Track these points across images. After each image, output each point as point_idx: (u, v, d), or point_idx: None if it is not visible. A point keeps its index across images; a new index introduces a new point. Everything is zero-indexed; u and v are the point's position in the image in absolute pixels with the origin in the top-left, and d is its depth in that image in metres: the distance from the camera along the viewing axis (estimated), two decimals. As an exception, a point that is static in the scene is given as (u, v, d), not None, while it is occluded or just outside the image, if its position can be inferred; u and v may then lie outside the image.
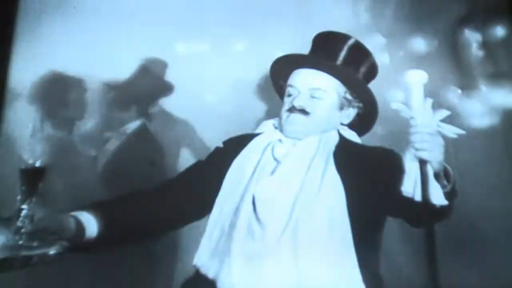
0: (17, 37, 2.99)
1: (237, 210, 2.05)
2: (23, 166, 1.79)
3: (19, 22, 3.01)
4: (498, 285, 2.63)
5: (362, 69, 2.26)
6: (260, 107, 3.23)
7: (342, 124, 2.26)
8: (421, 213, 1.83)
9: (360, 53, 2.28)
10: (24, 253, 1.74)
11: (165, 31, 3.15)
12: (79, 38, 3.11)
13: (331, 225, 1.98)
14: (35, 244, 1.76)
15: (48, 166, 1.81)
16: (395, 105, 1.83)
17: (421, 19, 3.31)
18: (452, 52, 3.26)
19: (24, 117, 3.01)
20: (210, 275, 1.99)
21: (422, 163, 1.77)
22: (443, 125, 1.80)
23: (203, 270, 2.02)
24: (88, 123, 3.19)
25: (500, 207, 2.83)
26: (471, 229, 2.80)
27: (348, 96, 2.23)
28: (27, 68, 3.03)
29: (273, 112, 2.37)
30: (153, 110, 3.25)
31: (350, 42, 2.26)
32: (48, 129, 3.04)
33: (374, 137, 2.35)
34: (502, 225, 2.81)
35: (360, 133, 2.28)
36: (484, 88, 3.19)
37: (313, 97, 2.18)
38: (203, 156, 2.31)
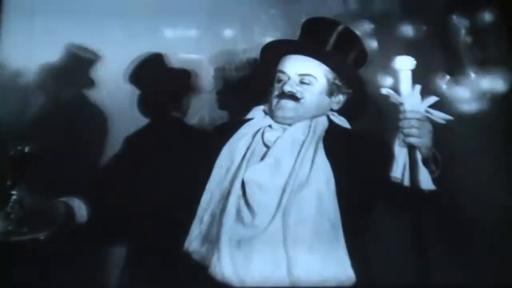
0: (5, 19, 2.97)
1: (227, 196, 2.05)
2: (11, 152, 1.79)
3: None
4: (486, 271, 2.65)
5: (352, 55, 2.26)
6: (248, 93, 3.23)
7: (332, 110, 2.27)
8: (409, 198, 1.85)
9: (349, 39, 2.28)
10: (14, 238, 1.74)
11: (153, 17, 3.13)
12: (66, 24, 3.09)
13: (321, 210, 1.99)
14: (25, 229, 1.76)
15: (36, 152, 1.81)
16: (384, 91, 1.83)
17: (410, 5, 3.31)
18: (441, 38, 3.27)
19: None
20: (201, 260, 2.00)
21: (411, 148, 1.78)
22: (432, 111, 1.81)
23: (195, 255, 2.03)
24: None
25: (488, 192, 2.85)
26: (460, 213, 2.82)
27: (338, 82, 2.23)
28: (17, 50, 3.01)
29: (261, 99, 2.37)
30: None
31: (340, 28, 2.26)
32: None
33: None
34: (491, 210, 2.83)
35: (350, 119, 2.29)
36: (472, 74, 3.20)
37: (302, 83, 2.19)
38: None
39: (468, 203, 2.78)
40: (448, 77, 3.18)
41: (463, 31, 3.27)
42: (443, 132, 1.89)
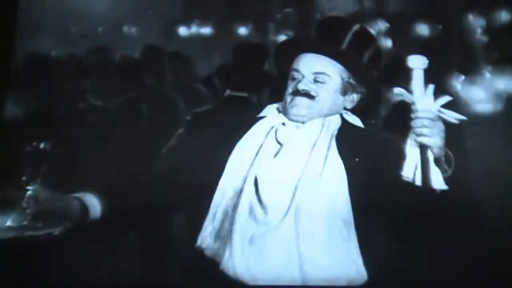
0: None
1: (239, 193, 2.06)
2: (27, 148, 1.81)
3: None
4: (499, 271, 2.64)
5: (367, 55, 2.26)
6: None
7: (345, 109, 2.27)
8: (421, 197, 1.84)
9: (365, 38, 2.28)
10: (29, 233, 1.76)
11: (168, 15, 3.14)
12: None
13: (333, 208, 2.00)
14: (39, 224, 1.78)
15: (51, 148, 1.83)
16: (396, 90, 1.83)
17: (425, 4, 3.30)
18: (456, 38, 3.26)
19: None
20: (214, 256, 2.01)
21: (423, 148, 1.78)
22: (445, 110, 1.81)
23: (207, 252, 2.04)
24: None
25: (503, 193, 2.84)
26: (473, 214, 2.81)
27: (352, 81, 2.23)
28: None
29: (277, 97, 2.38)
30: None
31: (355, 27, 2.26)
32: None
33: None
34: (504, 211, 2.81)
35: (363, 118, 2.29)
36: (487, 74, 3.18)
37: (316, 81, 2.19)
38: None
39: (481, 204, 2.77)
40: (463, 77, 3.17)
41: (479, 31, 3.25)
42: (458, 132, 1.88)
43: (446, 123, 1.81)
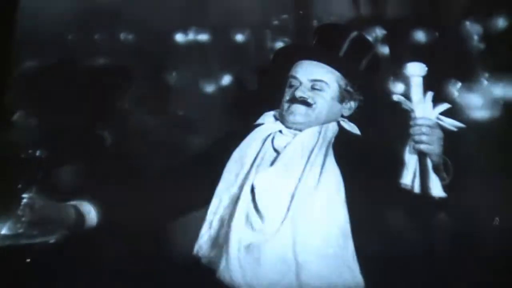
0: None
1: (236, 201, 2.06)
2: (23, 155, 1.80)
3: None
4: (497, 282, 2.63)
5: (364, 62, 2.27)
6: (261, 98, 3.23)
7: (343, 116, 2.27)
8: (420, 205, 1.84)
9: (362, 46, 2.29)
10: (24, 241, 1.76)
11: (164, 21, 3.14)
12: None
13: (330, 216, 1.99)
14: (35, 232, 1.77)
15: (48, 155, 1.82)
16: (395, 98, 1.83)
17: (422, 11, 3.30)
18: (453, 45, 3.26)
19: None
20: (210, 264, 2.00)
21: (421, 155, 1.78)
22: (443, 118, 1.81)
23: (204, 260, 2.03)
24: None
25: (500, 200, 2.83)
26: (471, 221, 2.81)
27: (349, 89, 2.24)
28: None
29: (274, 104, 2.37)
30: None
31: (353, 34, 2.27)
32: None
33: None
34: (502, 218, 2.81)
35: (361, 126, 2.28)
36: (485, 81, 3.18)
37: (314, 88, 2.19)
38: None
39: (479, 211, 2.77)
40: (460, 84, 3.16)
41: (476, 38, 3.25)
42: (455, 139, 1.88)
43: (445, 131, 1.81)
